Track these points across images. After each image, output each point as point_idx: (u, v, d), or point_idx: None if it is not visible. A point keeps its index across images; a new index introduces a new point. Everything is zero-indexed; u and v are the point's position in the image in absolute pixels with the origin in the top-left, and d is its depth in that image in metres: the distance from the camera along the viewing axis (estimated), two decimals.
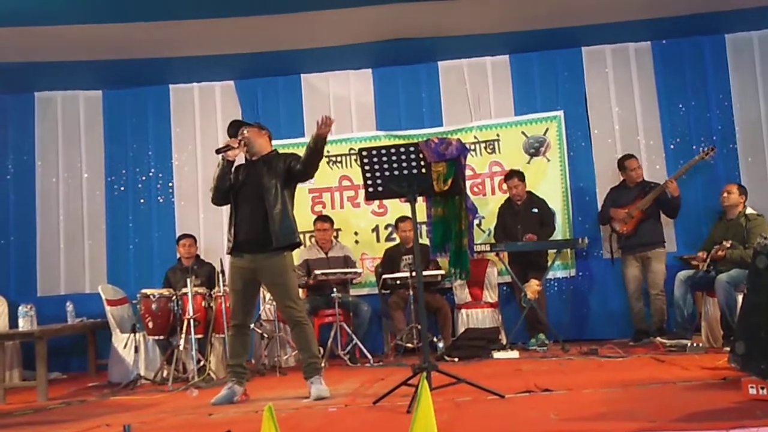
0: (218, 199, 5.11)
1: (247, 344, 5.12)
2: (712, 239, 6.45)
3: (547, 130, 7.96)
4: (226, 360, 6.05)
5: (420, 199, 4.82)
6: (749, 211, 6.49)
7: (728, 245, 6.13)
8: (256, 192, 4.90)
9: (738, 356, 3.63)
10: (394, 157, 4.41)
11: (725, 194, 6.56)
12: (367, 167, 4.48)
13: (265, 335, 7.01)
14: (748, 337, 3.57)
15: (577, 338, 7.39)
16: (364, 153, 4.48)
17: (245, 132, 5.07)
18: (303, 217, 8.04)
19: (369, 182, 4.52)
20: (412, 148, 4.41)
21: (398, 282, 7.15)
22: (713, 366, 4.82)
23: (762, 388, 3.52)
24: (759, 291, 3.59)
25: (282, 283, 4.91)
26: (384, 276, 7.23)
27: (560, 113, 7.97)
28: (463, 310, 7.58)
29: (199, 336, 6.40)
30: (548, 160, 7.94)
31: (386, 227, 8.04)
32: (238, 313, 4.98)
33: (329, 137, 8.11)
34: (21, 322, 6.43)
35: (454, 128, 8.00)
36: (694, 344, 6.00)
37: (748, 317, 3.64)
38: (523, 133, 8.01)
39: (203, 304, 6.55)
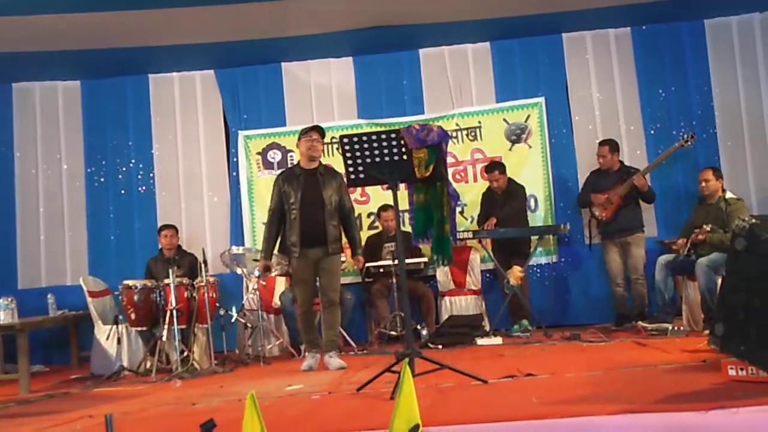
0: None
1: (315, 320, 6.04)
2: (693, 223, 6.49)
3: (528, 116, 7.98)
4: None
5: (402, 186, 4.83)
6: (729, 195, 6.53)
7: (708, 229, 6.17)
8: (316, 202, 5.80)
9: (717, 338, 3.65)
10: (375, 144, 4.40)
11: (703, 183, 6.59)
12: (348, 155, 4.48)
13: (249, 325, 7.00)
14: (727, 318, 3.59)
15: (559, 324, 7.45)
16: (346, 140, 4.47)
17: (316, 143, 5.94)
18: None
19: (350, 170, 4.51)
20: (393, 135, 4.40)
21: (381, 270, 7.15)
22: (694, 349, 4.86)
23: (741, 369, 3.56)
24: (737, 272, 3.61)
25: (334, 271, 5.89)
26: (367, 264, 7.21)
27: (541, 100, 7.98)
28: (447, 298, 7.60)
29: (182, 326, 6.41)
30: (530, 147, 7.95)
31: (369, 215, 8.03)
32: (307, 300, 5.86)
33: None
34: (1, 315, 6.37)
35: (436, 116, 7.99)
36: (675, 328, 6.07)
37: (726, 299, 3.67)
38: (504, 120, 8.02)
39: (186, 294, 6.53)
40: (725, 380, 3.58)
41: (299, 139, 5.98)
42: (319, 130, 5.96)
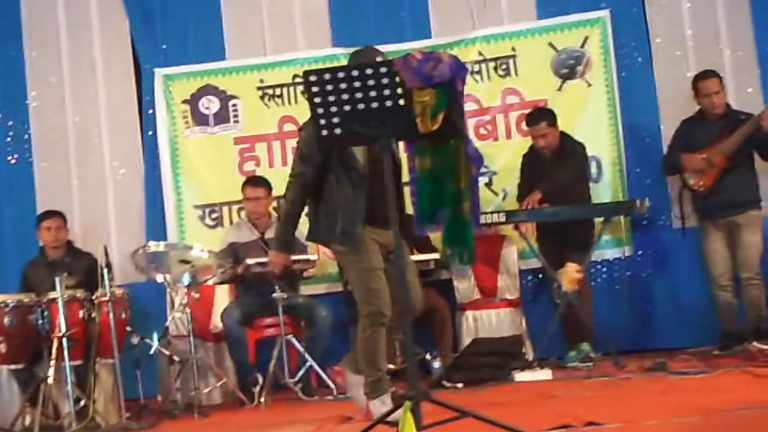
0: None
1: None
2: None
3: (585, 39, 7.97)
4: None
5: (400, 146, 4.80)
6: None
7: None
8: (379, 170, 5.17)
9: None
10: (356, 83, 4.34)
11: None
12: (317, 99, 4.42)
13: (176, 358, 6.96)
14: None
15: (637, 349, 7.48)
16: (313, 78, 4.42)
17: None
18: (227, 180, 8.10)
19: (322, 122, 4.46)
20: (383, 69, 4.35)
21: None
22: None
23: None
24: None
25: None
26: None
27: (605, 14, 7.99)
28: (469, 312, 7.60)
29: (77, 362, 6.36)
30: (589, 85, 7.97)
31: None
32: (388, 302, 5.30)
33: (263, 60, 8.25)
34: None
35: (449, 41, 8.01)
36: None
37: None
38: (550, 45, 8.02)
39: (81, 314, 6.49)
40: None
41: None
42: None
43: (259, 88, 8.20)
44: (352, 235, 5.23)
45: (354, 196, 5.27)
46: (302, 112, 7.83)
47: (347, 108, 4.39)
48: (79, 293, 6.58)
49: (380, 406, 5.18)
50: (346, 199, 5.28)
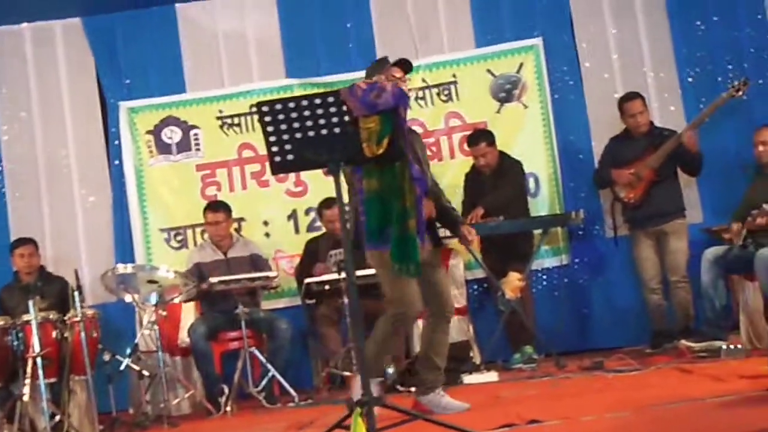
0: None
1: None
2: (749, 202, 6.53)
3: (521, 65, 8.03)
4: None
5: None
6: None
7: None
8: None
9: None
10: (306, 113, 4.36)
11: (760, 147, 6.65)
12: (270, 128, 4.44)
13: (146, 373, 6.90)
14: None
15: (576, 349, 7.53)
16: (265, 108, 4.43)
17: None
18: (191, 204, 8.07)
19: (275, 149, 4.47)
20: (331, 99, 4.37)
21: (327, 287, 7.11)
22: (756, 373, 4.91)
23: None
24: None
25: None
26: (307, 280, 7.20)
27: (538, 42, 8.05)
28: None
29: (52, 380, 6.28)
30: (525, 107, 8.03)
31: (307, 212, 8.06)
32: (417, 307, 5.30)
33: (221, 92, 8.24)
34: None
35: None
36: (731, 346, 6.11)
37: None
38: (488, 71, 8.07)
39: (54, 334, 6.42)
40: None
41: None
42: None
43: (218, 118, 8.19)
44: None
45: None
46: (259, 139, 7.61)
47: (298, 135, 4.40)
48: (52, 315, 6.51)
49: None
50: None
